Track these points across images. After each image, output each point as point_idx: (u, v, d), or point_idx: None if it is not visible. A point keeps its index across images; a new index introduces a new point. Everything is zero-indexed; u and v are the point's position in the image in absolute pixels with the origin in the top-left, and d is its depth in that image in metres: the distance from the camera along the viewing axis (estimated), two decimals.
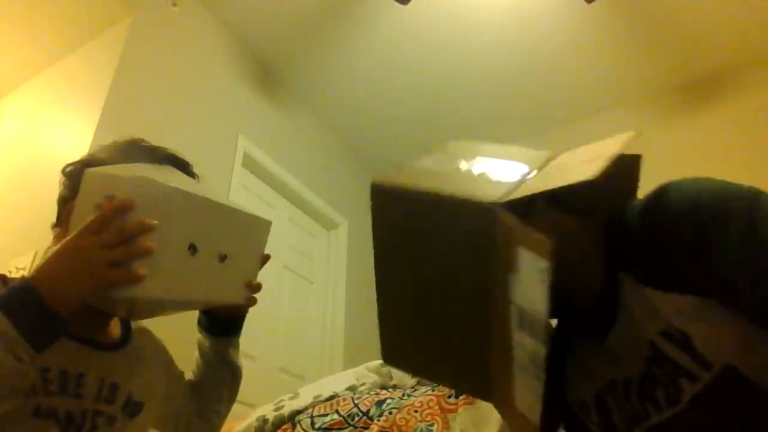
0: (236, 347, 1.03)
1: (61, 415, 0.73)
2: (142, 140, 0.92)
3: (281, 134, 3.15)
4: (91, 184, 0.75)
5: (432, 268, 0.62)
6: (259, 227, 0.88)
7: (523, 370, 0.53)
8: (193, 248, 0.74)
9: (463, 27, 2.91)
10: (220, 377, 1.01)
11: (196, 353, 1.03)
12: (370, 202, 0.65)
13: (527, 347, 0.51)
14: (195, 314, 1.00)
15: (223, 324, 0.99)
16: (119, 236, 0.65)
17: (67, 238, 0.67)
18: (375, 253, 0.65)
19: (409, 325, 0.67)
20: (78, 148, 2.11)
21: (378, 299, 0.66)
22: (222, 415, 1.03)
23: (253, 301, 0.90)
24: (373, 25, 2.93)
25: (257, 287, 0.88)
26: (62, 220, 0.85)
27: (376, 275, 0.65)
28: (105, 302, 0.73)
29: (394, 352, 0.71)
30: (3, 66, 2.75)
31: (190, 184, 0.86)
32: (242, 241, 0.85)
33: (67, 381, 0.75)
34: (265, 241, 0.89)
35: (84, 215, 0.69)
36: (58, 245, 0.66)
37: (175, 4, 2.61)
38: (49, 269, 0.65)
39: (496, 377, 0.58)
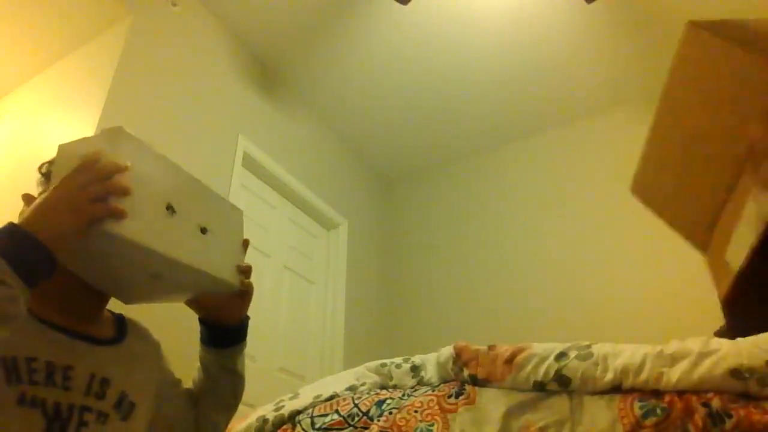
0: (238, 358, 0.99)
1: (48, 406, 0.71)
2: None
3: (281, 134, 3.15)
4: (64, 153, 0.78)
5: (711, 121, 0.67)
6: (234, 214, 0.91)
7: (747, 224, 0.57)
8: (171, 209, 0.77)
9: (462, 27, 2.91)
10: (220, 388, 0.98)
11: (197, 363, 1.00)
12: None
13: (761, 204, 0.56)
14: (194, 316, 0.97)
15: (224, 333, 0.96)
16: (95, 176, 0.68)
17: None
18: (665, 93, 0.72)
19: (672, 168, 0.72)
20: None
21: (650, 139, 0.75)
22: (221, 428, 1.00)
23: (247, 286, 0.89)
24: (373, 26, 2.93)
25: (247, 270, 0.88)
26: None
27: (655, 120, 0.73)
28: (87, 264, 0.75)
29: (643, 187, 0.79)
30: (3, 66, 2.75)
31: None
32: (220, 221, 0.87)
33: (54, 372, 0.73)
34: (242, 229, 0.92)
35: (60, 176, 0.72)
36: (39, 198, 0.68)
37: (174, 4, 2.61)
38: (32, 213, 0.67)
39: (720, 228, 0.62)
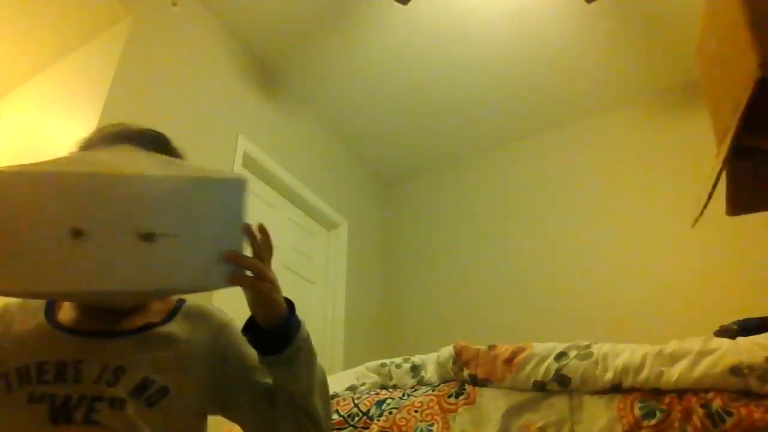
0: (287, 373, 0.84)
1: (57, 399, 0.73)
2: (113, 125, 0.89)
3: (281, 134, 3.15)
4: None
5: None
6: (224, 190, 0.74)
7: None
8: (77, 232, 0.66)
9: (462, 27, 2.91)
10: (281, 418, 0.85)
11: None
12: None
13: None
14: None
15: (267, 335, 0.82)
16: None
17: None
18: None
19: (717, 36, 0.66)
20: None
21: None
22: None
23: (239, 280, 0.75)
24: (373, 25, 2.93)
25: (237, 258, 0.74)
26: None
27: None
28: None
29: (701, 52, 0.69)
30: (3, 66, 2.75)
31: (141, 160, 0.76)
32: (189, 212, 0.71)
33: (65, 370, 0.76)
34: (241, 205, 0.75)
35: None
36: None
37: (174, 4, 2.60)
38: None
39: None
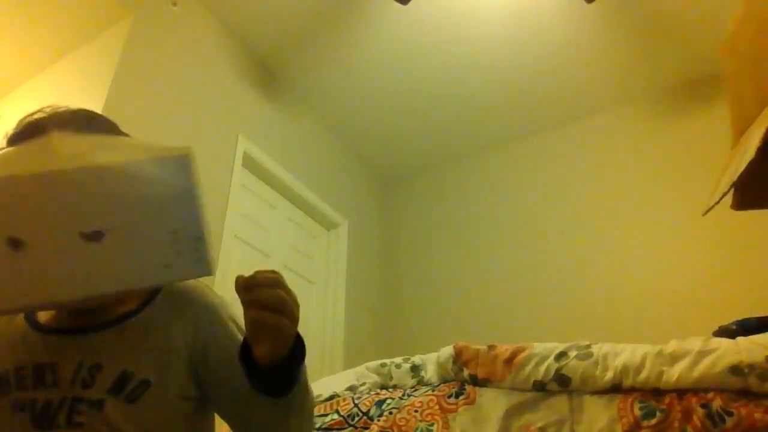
0: (288, 413, 0.75)
1: (38, 405, 0.71)
2: (34, 112, 0.81)
3: (281, 134, 3.15)
4: None
5: None
6: (168, 169, 0.62)
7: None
8: (14, 243, 0.59)
9: (463, 28, 2.91)
10: None
11: None
12: None
13: None
14: None
15: (269, 373, 0.70)
16: None
17: None
18: None
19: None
20: None
21: None
22: None
23: (250, 305, 0.65)
24: (373, 25, 2.93)
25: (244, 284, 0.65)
26: None
27: None
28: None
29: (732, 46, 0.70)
30: (3, 66, 2.75)
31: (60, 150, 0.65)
32: (135, 201, 0.62)
33: (43, 373, 0.74)
34: (191, 182, 0.63)
35: None
36: None
37: (175, 4, 2.60)
38: None
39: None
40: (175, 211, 0.63)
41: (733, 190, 0.59)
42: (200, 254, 0.64)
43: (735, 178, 0.53)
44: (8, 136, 0.79)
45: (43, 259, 0.60)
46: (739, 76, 0.78)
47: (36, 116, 0.80)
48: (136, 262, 0.63)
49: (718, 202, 0.63)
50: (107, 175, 0.61)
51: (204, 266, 0.64)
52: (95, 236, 0.60)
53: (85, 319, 0.80)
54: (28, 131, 0.77)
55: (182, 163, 0.62)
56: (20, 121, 0.80)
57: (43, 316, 0.82)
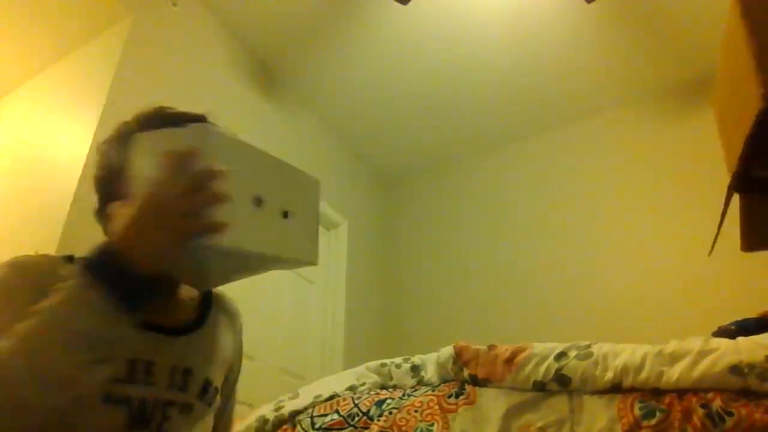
0: None
1: (134, 402, 0.70)
2: (165, 107, 0.86)
3: (281, 134, 3.15)
4: (143, 146, 0.71)
5: None
6: (311, 185, 0.84)
7: None
8: (258, 201, 0.71)
9: (462, 28, 2.91)
10: None
11: None
12: None
13: None
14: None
15: None
16: (191, 184, 0.61)
17: (136, 199, 0.63)
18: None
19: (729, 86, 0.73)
20: (78, 148, 2.11)
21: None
22: None
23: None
24: (373, 25, 2.93)
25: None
26: (115, 196, 0.78)
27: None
28: (175, 263, 0.68)
29: (716, 100, 0.77)
30: (3, 66, 2.75)
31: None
32: (300, 198, 0.80)
33: (136, 369, 0.72)
34: (318, 199, 0.83)
35: (144, 178, 0.66)
36: (130, 208, 0.63)
37: (174, 4, 2.61)
38: (125, 231, 0.62)
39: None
40: (309, 212, 0.81)
41: (742, 233, 0.61)
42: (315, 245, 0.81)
43: (719, 220, 0.56)
44: (143, 121, 0.82)
45: (267, 219, 0.73)
46: (725, 119, 0.81)
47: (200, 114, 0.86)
48: (301, 237, 0.78)
49: (714, 244, 0.66)
50: (292, 172, 0.82)
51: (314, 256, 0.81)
52: (286, 215, 0.75)
53: (166, 319, 0.80)
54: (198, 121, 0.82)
55: (317, 185, 0.85)
56: (187, 113, 0.85)
57: None
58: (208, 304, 0.88)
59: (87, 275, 0.60)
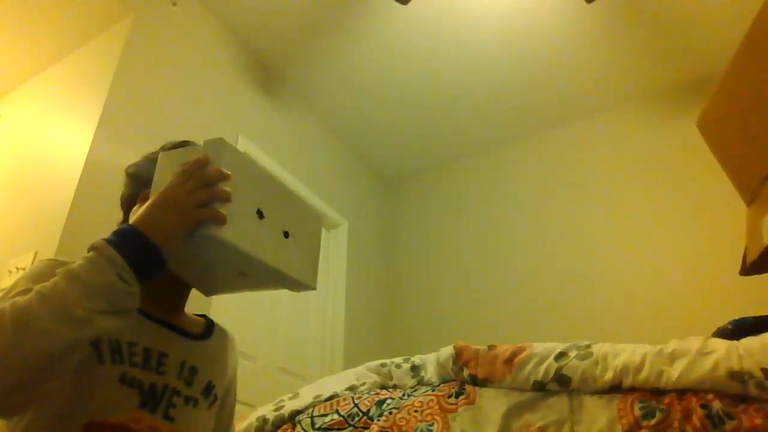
0: None
1: (145, 386, 0.78)
2: (179, 142, 0.97)
3: (281, 134, 3.15)
4: (166, 161, 0.84)
5: None
6: (313, 219, 0.94)
7: None
8: (260, 213, 0.81)
9: (463, 28, 2.91)
10: None
11: None
12: None
13: None
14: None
15: None
16: (201, 182, 0.75)
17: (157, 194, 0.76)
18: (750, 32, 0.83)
19: (741, 110, 0.76)
20: (78, 148, 2.10)
21: (725, 76, 0.77)
22: None
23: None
24: (373, 26, 2.93)
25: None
26: (140, 202, 0.91)
27: (730, 68, 0.82)
28: (182, 257, 0.78)
29: (708, 123, 0.85)
30: (3, 66, 2.75)
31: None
32: (301, 224, 0.89)
33: (150, 357, 0.81)
34: (320, 234, 0.93)
35: (163, 185, 0.78)
36: (150, 199, 0.76)
37: (175, 4, 2.61)
38: (145, 215, 0.74)
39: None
40: (312, 240, 0.92)
41: (744, 257, 0.61)
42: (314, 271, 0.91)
43: (750, 241, 0.56)
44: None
45: (268, 232, 0.82)
46: (718, 151, 0.83)
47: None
48: (300, 259, 0.87)
49: (745, 265, 0.66)
50: (296, 201, 0.92)
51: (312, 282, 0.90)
52: (287, 235, 0.86)
53: (178, 321, 0.91)
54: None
55: (319, 219, 0.94)
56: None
57: (141, 301, 0.86)
58: (212, 325, 0.98)
59: (104, 244, 0.68)
